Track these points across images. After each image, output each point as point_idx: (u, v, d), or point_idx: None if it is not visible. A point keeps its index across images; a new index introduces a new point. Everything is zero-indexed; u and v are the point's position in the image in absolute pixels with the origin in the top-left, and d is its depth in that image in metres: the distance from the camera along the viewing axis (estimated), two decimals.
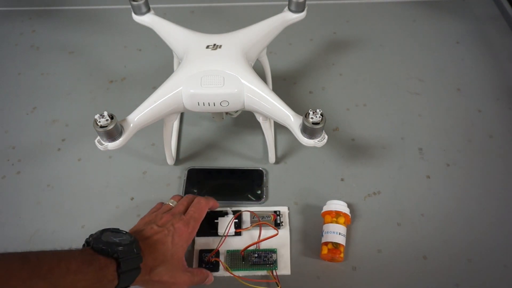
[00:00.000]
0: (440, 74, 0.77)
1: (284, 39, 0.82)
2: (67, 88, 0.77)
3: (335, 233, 0.54)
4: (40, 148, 0.69)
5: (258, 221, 0.57)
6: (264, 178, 0.63)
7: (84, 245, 0.44)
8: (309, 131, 0.49)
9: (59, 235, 0.59)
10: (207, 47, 0.57)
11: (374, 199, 0.61)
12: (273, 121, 0.62)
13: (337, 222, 0.55)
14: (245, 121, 0.70)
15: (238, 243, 0.56)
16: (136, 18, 0.64)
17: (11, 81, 0.79)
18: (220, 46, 0.57)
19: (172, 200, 0.55)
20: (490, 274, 0.54)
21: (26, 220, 0.60)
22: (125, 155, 0.67)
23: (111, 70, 0.80)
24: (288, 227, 0.58)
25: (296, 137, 0.51)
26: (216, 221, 0.58)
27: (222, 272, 0.54)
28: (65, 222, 0.60)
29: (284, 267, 0.55)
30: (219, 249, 0.55)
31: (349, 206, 0.58)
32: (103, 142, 0.50)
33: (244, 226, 0.58)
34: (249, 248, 0.55)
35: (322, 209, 0.57)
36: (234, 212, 0.59)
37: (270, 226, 0.56)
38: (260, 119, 0.57)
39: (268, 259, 0.54)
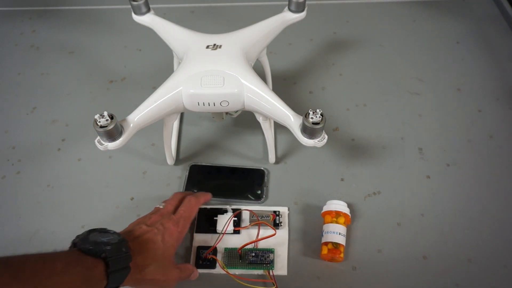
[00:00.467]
0: (440, 74, 0.77)
1: (284, 39, 0.82)
2: (67, 88, 0.77)
3: (335, 233, 0.54)
4: (40, 148, 0.69)
5: (257, 220, 0.57)
6: (265, 178, 0.64)
7: (71, 246, 0.43)
8: (309, 131, 0.49)
9: (59, 235, 0.59)
10: (207, 47, 0.57)
11: (374, 199, 0.61)
12: (273, 121, 0.62)
13: (337, 222, 0.55)
14: (245, 121, 0.70)
15: (236, 241, 0.56)
16: (136, 18, 0.64)
17: (11, 81, 0.79)
18: (220, 46, 0.57)
19: (163, 204, 0.55)
20: (490, 274, 0.54)
21: (26, 220, 0.60)
22: (125, 155, 0.67)
23: (111, 70, 0.80)
24: (287, 227, 0.58)
25: (296, 137, 0.51)
26: (215, 218, 0.58)
27: (218, 270, 0.54)
28: (65, 222, 0.60)
29: (281, 267, 0.55)
30: (217, 246, 0.56)
31: (349, 206, 0.58)
32: (103, 142, 0.50)
33: (243, 225, 0.58)
34: (246, 247, 0.55)
35: (322, 209, 0.57)
36: (234, 211, 0.59)
37: (269, 226, 0.56)
38: (260, 119, 0.58)
39: (265, 259, 0.54)
